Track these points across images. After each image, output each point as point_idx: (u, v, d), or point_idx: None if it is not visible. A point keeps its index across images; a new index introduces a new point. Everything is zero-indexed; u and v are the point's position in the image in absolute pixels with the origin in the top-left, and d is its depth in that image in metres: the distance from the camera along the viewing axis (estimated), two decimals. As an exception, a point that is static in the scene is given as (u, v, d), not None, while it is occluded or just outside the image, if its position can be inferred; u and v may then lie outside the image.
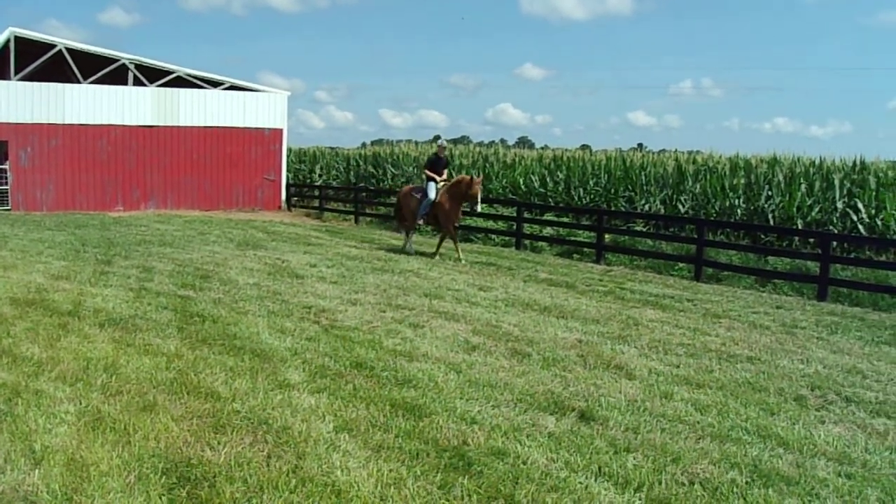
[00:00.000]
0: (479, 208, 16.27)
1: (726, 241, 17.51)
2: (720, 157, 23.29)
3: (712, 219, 18.88)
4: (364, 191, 28.32)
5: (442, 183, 16.67)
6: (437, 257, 16.44)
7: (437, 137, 21.98)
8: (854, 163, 19.54)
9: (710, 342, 9.30)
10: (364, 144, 44.03)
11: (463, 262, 15.80)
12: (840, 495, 5.01)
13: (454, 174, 20.19)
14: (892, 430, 6.33)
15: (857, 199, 17.27)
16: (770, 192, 18.77)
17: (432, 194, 16.53)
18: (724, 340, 9.44)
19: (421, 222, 17.14)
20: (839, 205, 17.53)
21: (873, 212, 16.78)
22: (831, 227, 17.18)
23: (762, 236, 17.26)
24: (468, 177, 16.44)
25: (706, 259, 15.32)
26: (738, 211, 19.19)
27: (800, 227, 17.56)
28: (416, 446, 5.53)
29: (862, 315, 11.78)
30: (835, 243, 14.77)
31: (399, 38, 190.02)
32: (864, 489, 5.09)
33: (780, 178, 19.33)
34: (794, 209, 17.97)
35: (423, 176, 17.23)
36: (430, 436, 5.75)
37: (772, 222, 18.13)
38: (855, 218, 16.91)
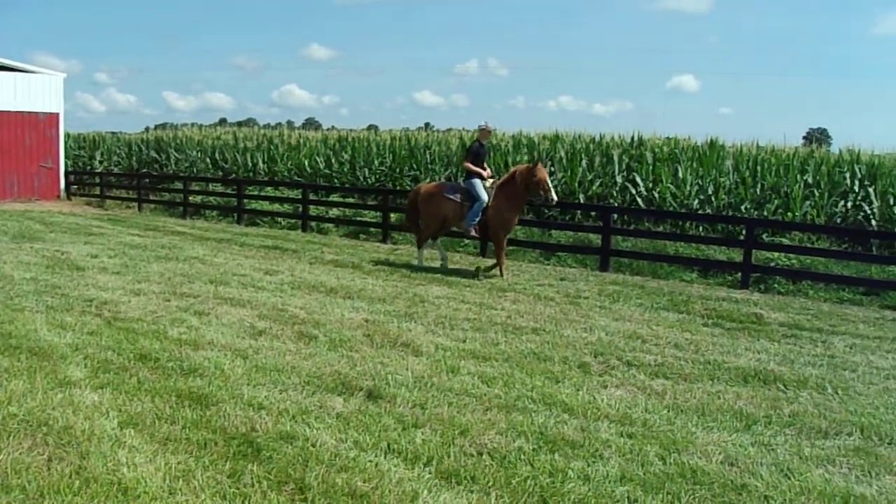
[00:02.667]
0: (554, 197, 12.73)
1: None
2: (504, 134, 23.98)
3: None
4: (147, 177, 27.50)
5: (490, 181, 13.23)
6: (507, 276, 12.84)
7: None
8: (632, 139, 20.75)
9: (496, 316, 9.61)
10: (147, 129, 42.11)
11: (506, 279, 12.64)
12: (622, 454, 5.31)
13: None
14: (670, 389, 6.81)
15: (635, 174, 18.29)
16: (553, 168, 19.51)
17: (485, 195, 12.87)
18: (510, 313, 9.79)
19: (473, 231, 13.19)
20: (619, 179, 18.52)
21: (650, 185, 17.85)
22: (612, 201, 18.13)
23: (546, 211, 17.94)
24: (524, 165, 13.58)
25: (493, 235, 15.77)
26: (522, 187, 19.83)
27: (582, 201, 18.39)
28: (204, 436, 5.39)
29: (642, 283, 12.60)
30: (615, 216, 15.64)
31: (181, 17, 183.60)
32: (643, 447, 5.43)
33: (563, 154, 20.16)
34: (577, 184, 18.81)
35: (464, 171, 13.48)
36: (218, 424, 5.62)
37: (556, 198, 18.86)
38: (634, 191, 17.92)
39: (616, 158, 19.15)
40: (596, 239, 14.97)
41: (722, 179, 17.54)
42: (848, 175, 17.19)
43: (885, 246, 15.02)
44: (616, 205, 17.86)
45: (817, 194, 16.54)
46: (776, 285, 12.99)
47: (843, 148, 19.34)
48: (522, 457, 5.23)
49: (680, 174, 17.80)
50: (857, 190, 16.78)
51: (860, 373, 7.78)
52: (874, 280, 12.94)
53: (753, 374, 7.40)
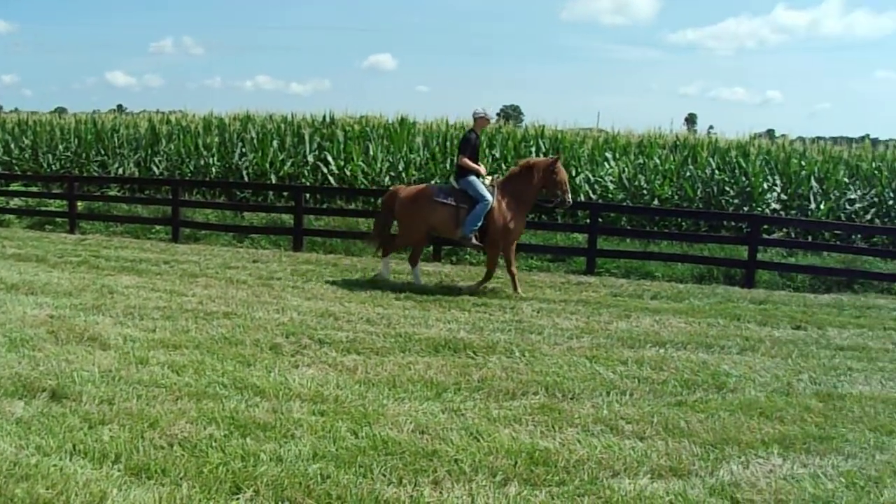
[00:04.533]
0: (570, 199, 11.22)
1: (203, 199, 17.56)
2: (194, 115, 23.31)
3: (188, 178, 18.80)
4: None
5: (489, 178, 11.35)
6: (518, 292, 10.96)
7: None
8: (324, 118, 20.80)
9: (187, 302, 9.30)
10: None
11: (521, 293, 10.95)
12: (314, 432, 5.29)
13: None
14: (361, 364, 6.90)
15: (326, 153, 18.34)
16: (244, 149, 19.19)
17: (489, 195, 10.92)
18: (202, 299, 9.50)
19: (473, 239, 11.02)
20: (310, 158, 18.50)
21: (342, 163, 17.96)
22: (304, 180, 18.07)
23: (238, 193, 17.61)
24: (540, 159, 11.71)
25: (183, 219, 15.30)
26: (214, 169, 19.35)
27: (273, 181, 18.21)
28: None
29: (335, 261, 12.71)
30: (308, 195, 15.61)
31: None
32: (335, 423, 5.46)
33: (253, 134, 19.87)
34: (268, 164, 18.59)
35: (456, 166, 11.28)
36: None
37: (247, 179, 18.57)
38: (325, 170, 17.96)
39: (307, 138, 19.13)
40: (289, 219, 14.90)
41: (413, 156, 18.05)
42: (534, 149, 18.37)
43: (568, 215, 16.11)
44: (308, 184, 17.84)
45: (505, 167, 17.41)
46: (467, 257, 13.58)
47: (530, 124, 20.55)
48: (214, 444, 5.09)
49: (371, 152, 18.09)
50: (549, 163, 17.89)
51: (546, 335, 8.33)
52: (560, 247, 13.92)
53: (444, 343, 7.69)
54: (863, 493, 4.96)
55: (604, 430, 5.65)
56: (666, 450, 5.36)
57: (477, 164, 11.17)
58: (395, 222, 11.60)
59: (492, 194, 10.89)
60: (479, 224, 10.87)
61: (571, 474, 4.86)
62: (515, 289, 10.98)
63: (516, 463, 4.94)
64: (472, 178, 11.00)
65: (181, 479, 4.62)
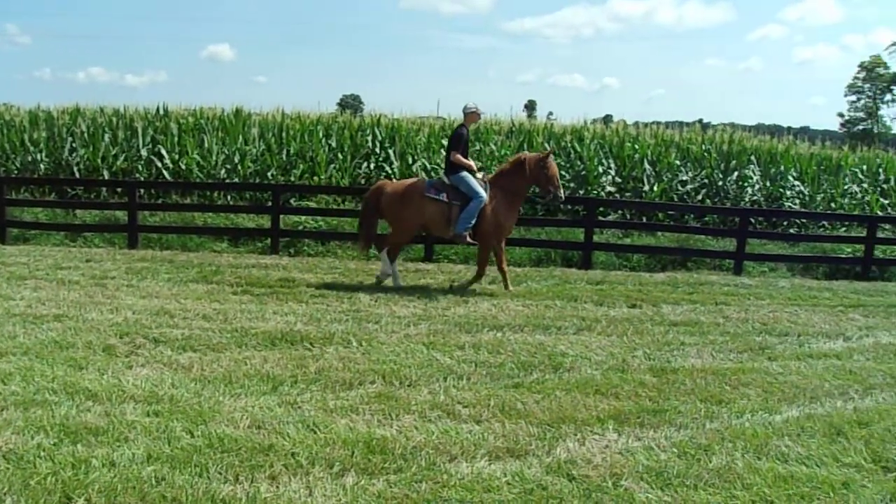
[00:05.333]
0: (563, 195, 11.13)
1: (31, 198, 16.74)
2: (18, 109, 22.14)
3: (14, 176, 17.86)
4: None
5: (480, 174, 11.09)
6: (510, 289, 10.86)
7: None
8: (157, 110, 20.11)
9: (15, 306, 8.82)
10: None
11: (511, 289, 10.86)
12: (149, 434, 5.14)
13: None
14: (197, 362, 6.74)
15: (160, 146, 17.80)
16: (74, 144, 18.39)
17: (483, 192, 10.66)
18: (31, 302, 9.04)
19: (465, 235, 10.67)
20: (144, 152, 17.90)
21: (177, 157, 17.47)
22: (138, 175, 17.46)
23: (69, 190, 16.88)
24: (531, 154, 11.62)
25: (10, 219, 14.52)
26: (42, 166, 18.46)
27: (106, 177, 17.53)
28: None
29: (171, 257, 12.36)
30: (141, 190, 15.08)
31: None
32: (170, 423, 5.31)
33: (84, 128, 19.05)
34: (100, 160, 17.87)
35: (446, 162, 10.95)
36: None
37: (78, 175, 17.81)
38: (160, 164, 17.43)
39: (140, 131, 18.47)
40: (123, 216, 14.36)
41: (248, 148, 17.72)
42: (370, 138, 18.30)
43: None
44: (142, 179, 17.28)
45: (341, 157, 17.36)
46: (306, 248, 13.50)
47: (367, 113, 20.53)
48: (42, 453, 4.83)
49: (206, 144, 17.67)
50: (378, 152, 17.95)
51: (383, 323, 8.35)
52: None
53: (281, 336, 7.61)
54: (693, 461, 5.18)
55: (441, 415, 5.71)
56: (503, 431, 5.46)
57: (467, 159, 10.89)
58: (380, 219, 11.23)
59: (485, 191, 10.68)
60: (473, 222, 10.63)
61: (409, 461, 4.89)
62: (506, 286, 10.84)
63: (353, 453, 4.92)
64: (465, 174, 10.71)
65: (5, 493, 4.38)
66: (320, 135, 18.12)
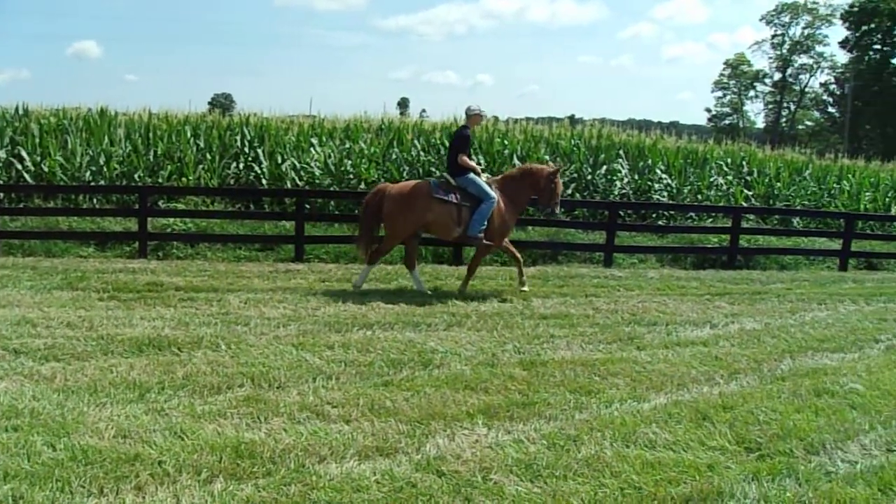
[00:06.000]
0: (559, 211, 11.89)
1: None
2: None
3: None
4: None
5: (484, 175, 11.16)
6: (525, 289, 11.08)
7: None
8: (16, 110, 19.25)
9: None
10: None
11: (527, 289, 11.08)
12: (6, 451, 4.90)
13: None
14: (60, 372, 6.49)
15: (20, 148, 17.05)
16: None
17: (494, 193, 10.74)
18: None
19: (481, 236, 10.71)
20: (3, 154, 17.12)
21: (38, 159, 16.77)
22: (-3, 180, 16.73)
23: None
24: (541, 165, 11.87)
25: None
26: None
27: (-37, 181, 16.74)
28: None
29: (34, 264, 11.84)
30: (1, 195, 14.43)
31: None
32: (30, 437, 5.09)
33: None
34: (-46, 163, 17.06)
35: (449, 163, 11.02)
36: None
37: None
38: (20, 167, 16.70)
39: (-2, 132, 17.72)
40: (-20, 222, 13.75)
41: (114, 149, 17.12)
42: (239, 138, 17.99)
43: (276, 203, 16.04)
44: (1, 182, 16.54)
45: (210, 158, 17.03)
46: (175, 251, 13.19)
47: (237, 112, 20.17)
48: None
49: (70, 146, 17.01)
50: (247, 151, 17.68)
51: (252, 325, 8.25)
52: (268, 236, 13.85)
53: (148, 342, 7.40)
54: (562, 451, 5.30)
55: (310, 416, 5.68)
56: (372, 430, 5.47)
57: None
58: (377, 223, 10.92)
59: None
60: (486, 223, 10.65)
61: (278, 464, 4.85)
62: (522, 281, 11.10)
63: (221, 458, 4.84)
64: (473, 175, 10.75)
65: None
66: (188, 135, 17.69)
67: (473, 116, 11.17)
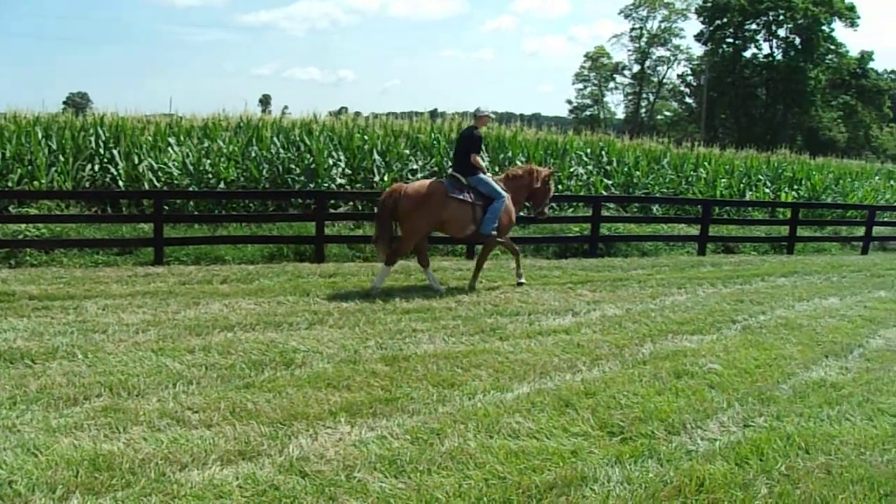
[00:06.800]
0: (548, 211, 12.73)
1: None
2: None
3: None
4: None
5: (487, 175, 11.47)
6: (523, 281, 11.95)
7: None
8: None
9: None
10: None
11: (524, 281, 11.95)
12: None
13: None
14: None
15: None
16: None
17: (504, 192, 11.27)
18: None
19: (494, 234, 11.22)
20: None
21: None
22: None
23: None
24: (542, 168, 12.23)
25: None
26: None
27: None
28: None
29: None
30: None
31: None
32: None
33: None
34: None
35: (456, 164, 11.33)
36: None
37: None
38: None
39: None
40: None
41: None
42: (93, 138, 17.36)
43: (133, 205, 15.54)
44: None
45: (63, 160, 16.34)
46: (28, 258, 12.59)
47: (91, 112, 19.44)
48: None
49: None
50: (102, 152, 17.04)
51: (111, 333, 7.97)
52: (126, 239, 13.37)
53: (-1, 355, 7.08)
54: (426, 445, 5.35)
55: (170, 423, 5.55)
56: (234, 434, 5.39)
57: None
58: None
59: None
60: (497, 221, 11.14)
61: (137, 475, 4.71)
62: (520, 276, 11.86)
63: (78, 473, 4.67)
64: (483, 175, 11.18)
65: None
66: (39, 136, 16.90)
67: (482, 118, 11.62)
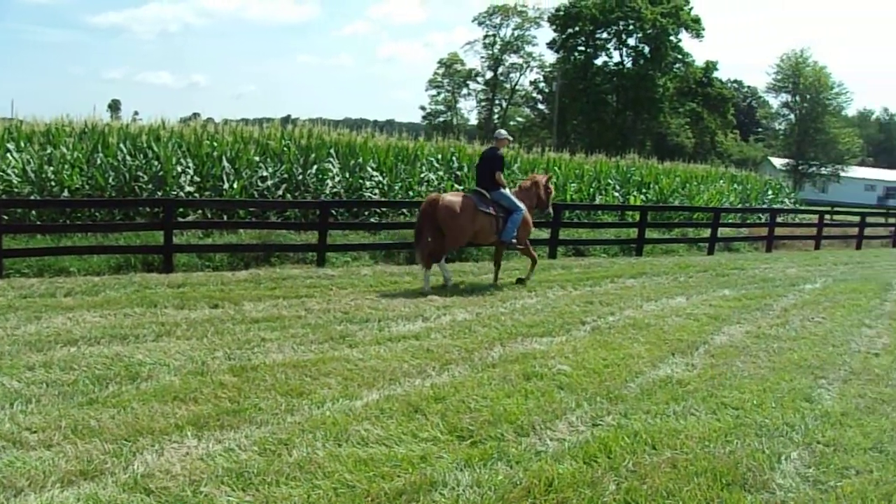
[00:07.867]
0: (551, 210, 14.78)
1: None
2: None
3: None
4: None
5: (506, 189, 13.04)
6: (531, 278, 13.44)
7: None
8: None
9: None
10: None
11: (524, 278, 13.42)
12: None
13: None
14: None
15: None
16: None
17: (522, 204, 12.87)
18: None
19: (515, 241, 12.75)
20: None
21: None
22: None
23: None
24: (541, 175, 14.31)
25: None
26: None
27: None
28: None
29: None
30: None
31: None
32: None
33: None
34: None
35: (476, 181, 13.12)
36: None
37: None
38: None
39: None
40: None
41: None
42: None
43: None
44: None
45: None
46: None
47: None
48: None
49: None
50: None
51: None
52: None
53: None
54: (274, 456, 5.26)
55: (6, 445, 5.24)
56: (76, 453, 5.15)
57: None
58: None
59: None
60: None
61: (-32, 503, 4.46)
62: (528, 278, 13.27)
63: None
64: (504, 190, 12.68)
65: None
66: None
67: (502, 140, 13.16)
